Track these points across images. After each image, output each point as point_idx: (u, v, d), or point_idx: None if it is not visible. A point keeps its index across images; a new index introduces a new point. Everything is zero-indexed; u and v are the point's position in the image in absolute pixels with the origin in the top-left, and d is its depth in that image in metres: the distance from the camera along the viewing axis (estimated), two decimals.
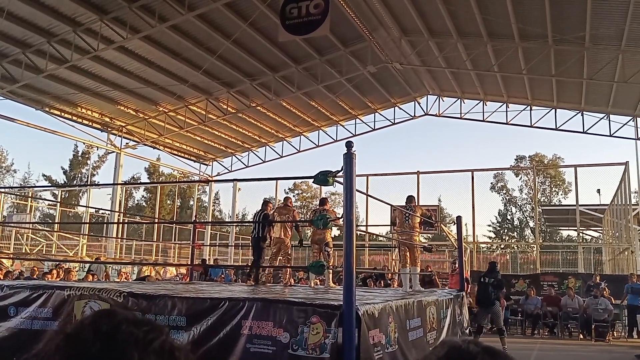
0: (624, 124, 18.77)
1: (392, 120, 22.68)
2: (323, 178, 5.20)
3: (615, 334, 12.92)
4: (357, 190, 5.54)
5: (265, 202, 9.07)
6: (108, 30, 14.05)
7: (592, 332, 12.08)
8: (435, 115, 22.01)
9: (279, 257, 9.18)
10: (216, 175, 25.39)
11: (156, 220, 27.03)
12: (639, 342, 11.60)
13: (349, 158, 4.99)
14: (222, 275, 16.24)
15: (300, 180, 39.30)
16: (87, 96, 17.75)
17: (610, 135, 19.07)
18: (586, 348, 11.02)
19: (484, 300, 9.36)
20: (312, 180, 5.34)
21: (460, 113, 21.35)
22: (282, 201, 9.06)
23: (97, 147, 21.99)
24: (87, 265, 15.85)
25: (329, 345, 4.54)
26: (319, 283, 10.01)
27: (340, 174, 5.04)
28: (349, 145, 5.12)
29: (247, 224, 25.19)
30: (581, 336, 12.56)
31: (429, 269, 13.97)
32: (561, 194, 42.61)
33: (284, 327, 4.83)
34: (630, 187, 17.66)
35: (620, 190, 18.35)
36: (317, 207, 9.36)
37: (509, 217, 44.92)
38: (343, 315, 4.58)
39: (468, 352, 0.80)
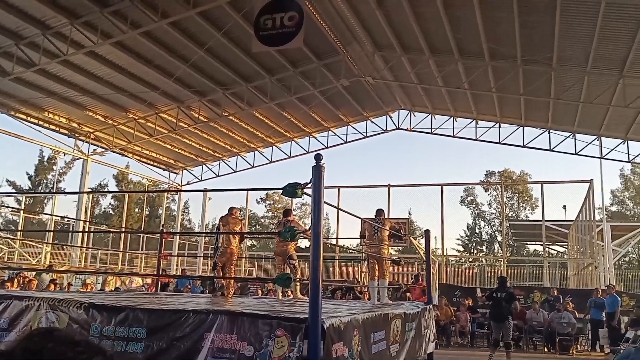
0: (589, 143, 19.30)
1: (364, 134, 22.85)
2: (292, 190, 5.16)
3: (578, 347, 13.14)
4: (326, 203, 5.53)
5: (230, 209, 8.92)
6: (78, 35, 13.79)
7: (556, 346, 12.26)
8: (407, 130, 22.25)
9: (227, 267, 8.92)
10: (186, 184, 25.09)
11: (123, 230, 26.52)
12: (602, 356, 11.80)
13: (317, 170, 4.97)
14: (189, 286, 16.00)
15: (272, 191, 39.10)
16: (54, 101, 17.37)
17: (576, 154, 19.56)
18: None
19: (498, 315, 9.46)
20: (281, 192, 5.32)
21: (431, 128, 21.65)
22: (228, 211, 8.88)
23: (64, 152, 21.46)
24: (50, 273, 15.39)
25: (293, 358, 4.49)
26: (290, 295, 9.92)
27: (309, 186, 5.03)
28: (318, 157, 5.11)
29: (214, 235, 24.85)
30: (545, 349, 12.75)
31: (398, 282, 14.01)
32: (529, 210, 43.52)
33: (248, 340, 4.76)
34: (594, 204, 18.12)
35: (584, 206, 18.81)
36: (282, 218, 9.29)
37: (477, 231, 45.58)
38: (309, 328, 4.55)
39: None
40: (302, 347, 4.59)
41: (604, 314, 12.56)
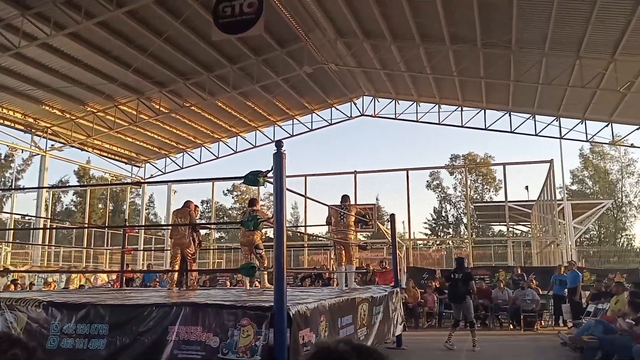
0: (549, 124, 19.72)
1: (329, 121, 22.83)
2: (253, 178, 5.10)
3: (542, 323, 13.50)
4: (289, 190, 5.50)
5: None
6: (30, 27, 13.29)
7: (521, 322, 12.56)
8: (371, 116, 22.33)
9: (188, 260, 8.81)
10: (149, 178, 24.64)
11: (85, 225, 25.92)
12: (565, 330, 12.14)
13: (278, 157, 4.92)
14: (157, 280, 15.79)
15: (239, 182, 38.78)
16: (8, 95, 16.76)
17: (536, 135, 19.98)
18: (515, 338, 11.44)
19: (455, 296, 9.57)
20: (242, 181, 5.25)
21: (395, 114, 21.78)
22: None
23: (21, 149, 20.79)
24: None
25: (259, 347, 4.46)
26: (258, 285, 9.86)
27: (271, 174, 4.97)
28: (279, 144, 5.06)
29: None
30: (511, 326, 13.04)
31: (367, 267, 14.10)
32: (493, 191, 44.33)
33: (213, 331, 4.71)
34: (555, 184, 18.57)
35: (546, 186, 19.25)
36: (247, 208, 9.22)
37: (444, 214, 46.29)
38: (274, 316, 4.52)
39: (336, 352, 0.76)
40: (268, 335, 4.56)
41: (566, 289, 12.92)
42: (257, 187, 24.28)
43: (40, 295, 6.50)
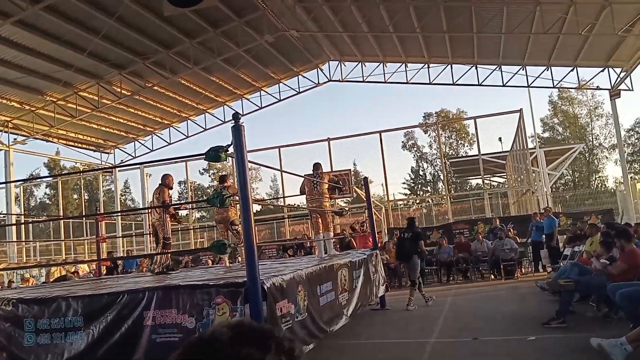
0: (515, 73, 19.75)
1: (297, 89, 22.53)
2: (214, 154, 4.98)
3: (523, 271, 13.76)
4: (250, 162, 5.40)
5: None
6: None
7: (502, 272, 12.78)
8: (339, 81, 22.09)
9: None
10: (120, 163, 24.20)
11: (58, 217, 25.48)
12: (544, 275, 12.39)
13: (237, 130, 4.80)
14: (138, 265, 15.63)
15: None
16: None
17: (504, 85, 20.01)
18: (496, 287, 11.65)
19: (401, 254, 9.55)
20: (204, 157, 5.11)
21: (363, 76, 21.56)
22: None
23: None
24: None
25: None
26: (240, 261, 9.78)
27: (232, 148, 4.84)
28: (236, 117, 4.93)
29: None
30: (492, 277, 13.27)
31: (343, 232, 14.11)
32: (467, 146, 44.71)
33: (188, 312, 4.67)
34: (526, 133, 18.72)
35: (517, 136, 19.40)
36: (217, 185, 9.07)
37: (421, 173, 46.65)
38: (248, 291, 4.48)
39: (211, 339, 0.67)
40: (243, 310, 4.54)
41: (543, 235, 13.13)
42: (231, 164, 24.02)
43: (10, 292, 6.35)
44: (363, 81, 21.60)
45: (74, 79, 17.31)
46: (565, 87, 23.94)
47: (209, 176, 46.34)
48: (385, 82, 21.29)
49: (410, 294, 9.12)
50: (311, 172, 9.27)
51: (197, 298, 4.66)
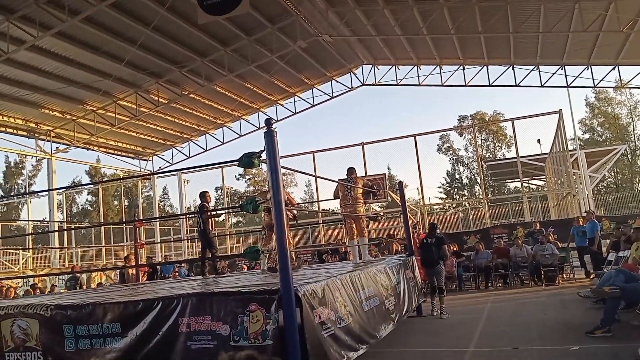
0: (554, 73, 19.26)
1: (331, 94, 22.53)
2: (247, 160, 4.96)
3: (564, 277, 13.31)
4: (283, 167, 5.35)
5: (203, 194, 8.74)
6: (17, 31, 13.17)
7: (542, 278, 12.39)
8: (372, 85, 21.99)
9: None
10: (158, 170, 24.66)
11: (98, 223, 26.08)
12: (588, 281, 11.98)
13: (269, 136, 4.77)
14: (177, 271, 15.84)
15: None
16: (6, 102, 16.75)
17: (542, 86, 19.54)
18: (537, 294, 11.28)
19: (427, 261, 9.35)
20: (238, 164, 5.10)
21: (397, 80, 21.40)
22: None
23: (27, 155, 20.86)
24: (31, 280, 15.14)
25: (270, 331, 4.37)
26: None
27: (265, 154, 4.82)
28: (268, 122, 4.90)
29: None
30: (532, 283, 12.87)
31: (378, 238, 13.94)
32: (505, 148, 43.80)
33: (222, 319, 4.63)
34: (566, 134, 18.19)
35: (557, 138, 18.87)
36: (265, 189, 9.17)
37: (457, 177, 45.94)
38: (282, 298, 4.42)
39: None
40: (278, 318, 4.47)
41: (587, 240, 12.68)
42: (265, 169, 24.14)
43: (49, 299, 6.47)
44: (397, 84, 21.44)
45: (112, 88, 17.75)
46: (606, 87, 23.16)
47: (245, 182, 46.76)
48: (419, 85, 21.09)
49: (441, 301, 8.93)
50: (345, 177, 9.20)
51: (231, 305, 4.62)
